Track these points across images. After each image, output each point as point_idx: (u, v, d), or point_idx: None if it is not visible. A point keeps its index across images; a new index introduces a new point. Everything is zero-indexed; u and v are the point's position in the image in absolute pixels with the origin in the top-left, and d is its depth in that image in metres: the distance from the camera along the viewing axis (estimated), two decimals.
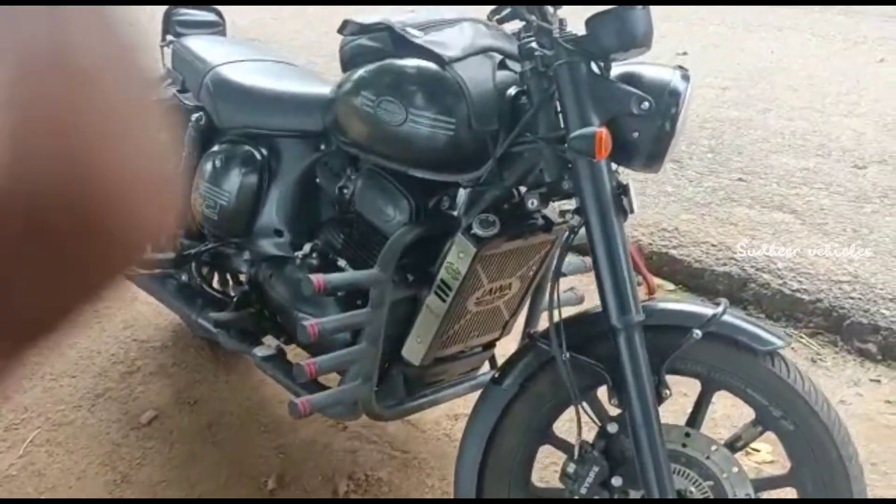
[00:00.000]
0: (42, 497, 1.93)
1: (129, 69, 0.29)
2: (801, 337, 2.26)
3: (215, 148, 1.91)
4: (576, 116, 1.30)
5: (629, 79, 1.33)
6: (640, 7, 1.30)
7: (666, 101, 1.31)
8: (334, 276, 1.41)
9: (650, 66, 1.38)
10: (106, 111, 0.27)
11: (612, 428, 1.35)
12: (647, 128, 1.32)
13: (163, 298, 2.10)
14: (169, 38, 2.18)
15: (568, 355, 1.33)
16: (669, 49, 4.76)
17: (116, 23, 0.28)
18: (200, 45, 2.07)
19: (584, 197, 1.31)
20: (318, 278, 1.32)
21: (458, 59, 1.43)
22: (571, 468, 1.34)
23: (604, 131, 1.24)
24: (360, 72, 1.54)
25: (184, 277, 2.07)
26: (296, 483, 1.90)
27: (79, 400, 2.27)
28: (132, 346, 2.51)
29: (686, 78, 1.36)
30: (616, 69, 1.36)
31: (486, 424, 1.39)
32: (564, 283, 1.51)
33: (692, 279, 2.49)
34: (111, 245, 0.27)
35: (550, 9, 1.30)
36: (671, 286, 2.53)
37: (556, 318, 1.35)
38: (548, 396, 1.39)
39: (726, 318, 1.34)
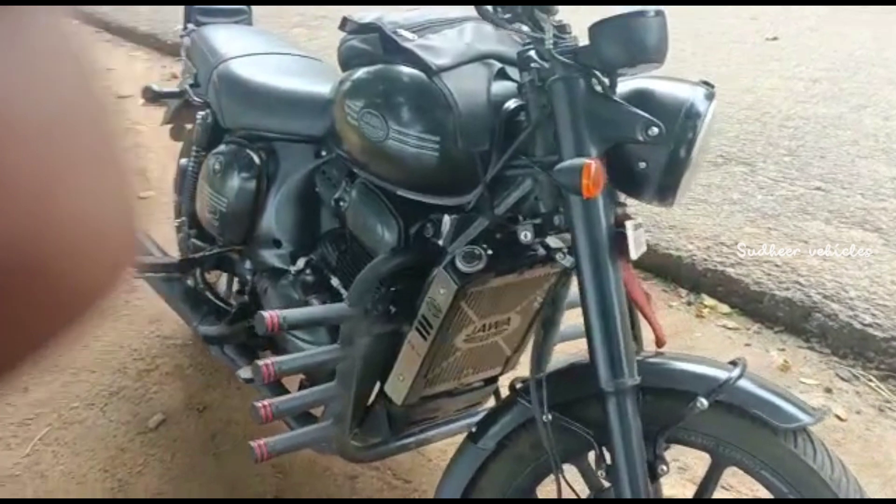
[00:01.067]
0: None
1: (100, 119, 0.28)
2: (870, 380, 1.98)
3: (217, 149, 1.80)
4: (570, 142, 1.11)
5: (638, 97, 1.13)
6: (651, 12, 1.08)
7: (680, 126, 1.10)
8: (293, 312, 1.26)
9: (666, 80, 1.17)
10: (67, 162, 0.25)
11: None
12: (655, 157, 1.11)
13: (169, 301, 2.02)
14: (190, 27, 2.08)
15: (550, 416, 1.15)
16: (757, 32, 4.39)
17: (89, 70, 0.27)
18: (217, 36, 1.96)
19: (575, 236, 1.12)
20: (271, 315, 1.18)
21: (449, 68, 1.26)
22: None
23: (594, 164, 1.04)
24: (349, 77, 1.39)
25: (189, 282, 1.99)
26: None
27: (94, 397, 2.24)
28: (155, 342, 2.46)
29: (709, 97, 1.14)
30: (624, 84, 1.15)
31: (459, 484, 1.23)
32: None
33: (749, 303, 2.23)
34: (59, 299, 0.26)
35: (540, 11, 1.10)
36: (725, 308, 2.28)
37: (540, 372, 1.17)
38: (529, 458, 1.22)
39: (742, 384, 1.13)
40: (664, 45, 1.11)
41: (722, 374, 1.13)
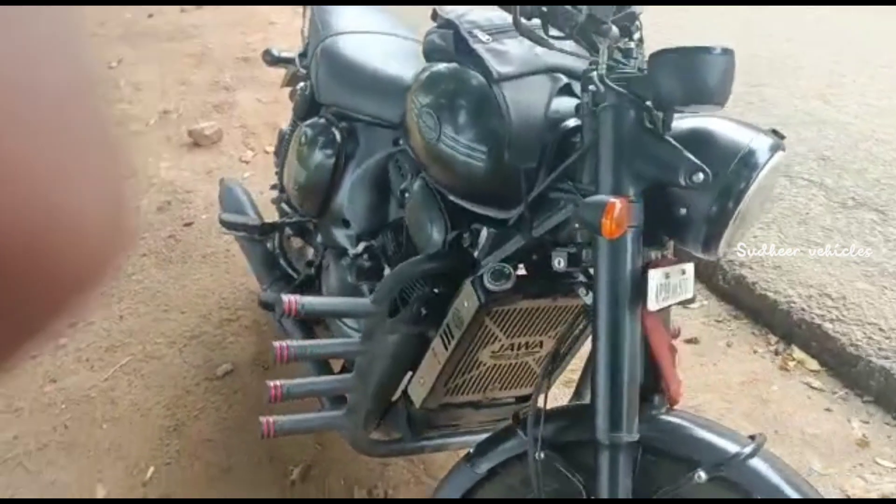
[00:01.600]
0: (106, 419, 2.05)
1: (89, 102, 0.28)
2: None
3: (308, 122, 1.85)
4: (607, 175, 1.05)
5: (694, 137, 1.05)
6: (718, 50, 1.00)
7: (731, 175, 1.01)
8: (315, 301, 1.29)
9: (732, 123, 1.08)
10: (63, 145, 0.26)
11: None
12: (698, 204, 1.04)
13: (249, 260, 2.11)
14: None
15: (542, 455, 1.11)
16: None
17: (82, 52, 0.27)
18: (333, 11, 1.99)
19: (597, 274, 1.07)
20: (290, 300, 1.20)
21: (511, 77, 1.22)
22: None
23: (619, 204, 0.98)
24: (422, 71, 1.38)
25: (269, 246, 2.06)
26: (317, 480, 1.85)
27: (177, 337, 2.39)
28: (242, 294, 2.59)
29: (774, 148, 1.04)
30: (684, 121, 1.07)
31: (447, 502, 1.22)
32: None
33: (842, 364, 2.05)
34: (56, 285, 0.26)
35: (596, 34, 1.04)
36: (815, 365, 2.11)
37: (539, 406, 1.13)
38: (518, 491, 1.19)
39: (752, 463, 1.04)
40: (727, 86, 1.02)
41: (732, 448, 1.05)
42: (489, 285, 1.21)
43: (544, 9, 1.06)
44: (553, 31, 1.09)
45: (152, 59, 4.39)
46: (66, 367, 2.24)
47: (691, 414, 1.16)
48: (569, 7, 1.03)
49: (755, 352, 2.19)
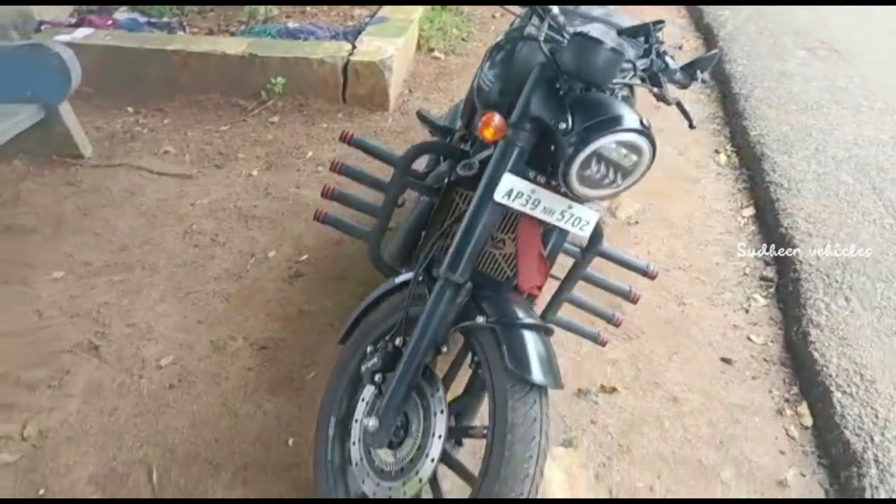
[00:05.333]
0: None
1: None
2: None
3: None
4: (518, 105, 1.57)
5: (584, 100, 1.49)
6: (609, 45, 1.41)
7: (584, 132, 1.43)
8: (365, 138, 1.95)
9: (620, 104, 1.47)
10: None
11: (398, 342, 1.65)
12: (561, 146, 1.47)
13: None
14: None
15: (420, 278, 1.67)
16: None
17: None
18: None
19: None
20: (348, 132, 1.89)
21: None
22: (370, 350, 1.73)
23: (496, 118, 1.56)
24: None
25: None
26: None
27: (326, 241, 2.96)
28: None
29: (633, 129, 1.42)
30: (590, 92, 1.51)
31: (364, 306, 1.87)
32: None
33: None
34: None
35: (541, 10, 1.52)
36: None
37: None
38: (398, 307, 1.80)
39: (517, 332, 1.51)
40: (609, 75, 1.45)
41: (522, 317, 1.53)
42: (460, 170, 1.74)
43: None
44: None
45: None
46: None
47: (521, 298, 1.62)
48: None
49: None
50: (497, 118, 1.51)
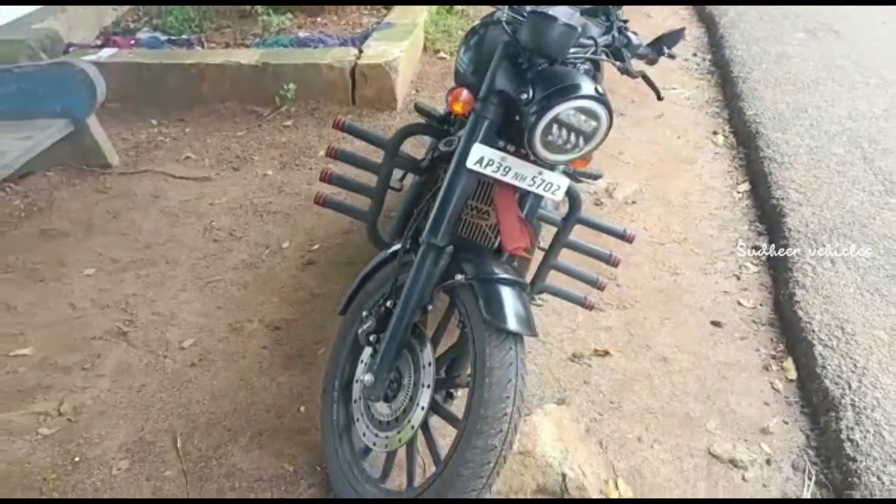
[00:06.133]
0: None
1: None
2: None
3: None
4: (486, 81, 1.72)
5: (546, 72, 1.63)
6: (562, 22, 1.55)
7: (543, 100, 1.58)
8: (356, 124, 2.10)
9: (581, 76, 1.61)
10: None
11: (389, 304, 1.81)
12: (524, 115, 1.62)
13: None
14: None
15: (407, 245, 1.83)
16: None
17: None
18: None
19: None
20: (340, 119, 2.05)
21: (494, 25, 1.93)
22: (365, 315, 1.88)
23: (464, 92, 1.68)
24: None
25: None
26: None
27: (337, 231, 3.17)
28: None
29: (589, 97, 1.56)
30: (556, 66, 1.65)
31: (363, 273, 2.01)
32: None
33: None
34: None
35: None
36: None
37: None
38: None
39: (493, 287, 1.65)
40: (564, 49, 1.58)
41: (499, 273, 1.67)
42: (440, 146, 1.90)
43: None
44: None
45: None
46: None
47: (500, 258, 1.76)
48: None
49: None
50: (465, 93, 1.67)
